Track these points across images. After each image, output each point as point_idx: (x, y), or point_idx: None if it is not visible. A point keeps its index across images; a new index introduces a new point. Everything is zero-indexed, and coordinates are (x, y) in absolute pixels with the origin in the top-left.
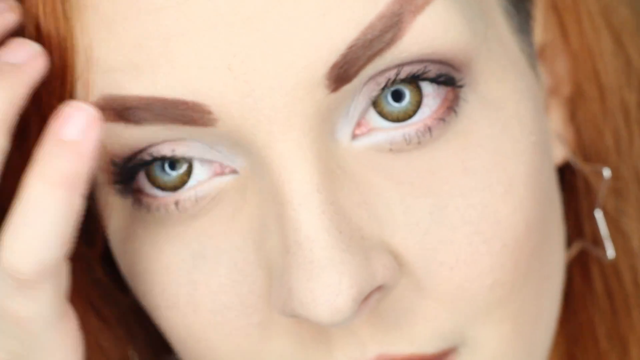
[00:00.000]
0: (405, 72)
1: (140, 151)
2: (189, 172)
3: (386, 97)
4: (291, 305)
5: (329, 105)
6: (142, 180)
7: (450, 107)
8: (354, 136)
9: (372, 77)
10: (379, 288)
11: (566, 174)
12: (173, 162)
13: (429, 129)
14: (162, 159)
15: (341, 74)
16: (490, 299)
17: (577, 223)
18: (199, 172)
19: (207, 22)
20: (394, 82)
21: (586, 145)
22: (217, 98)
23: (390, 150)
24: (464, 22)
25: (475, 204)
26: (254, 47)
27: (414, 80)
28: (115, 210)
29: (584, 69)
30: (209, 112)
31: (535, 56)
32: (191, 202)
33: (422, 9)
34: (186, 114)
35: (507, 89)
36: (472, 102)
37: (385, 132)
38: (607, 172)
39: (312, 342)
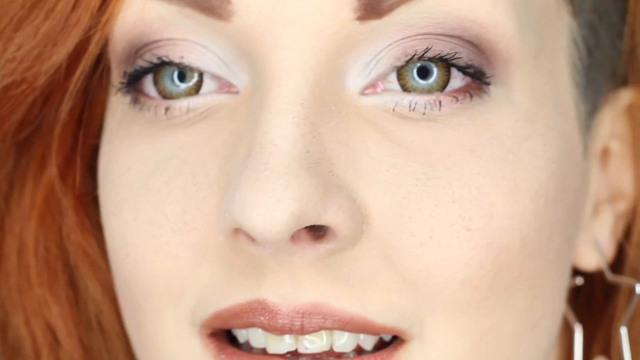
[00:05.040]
0: (435, 50)
1: (153, 42)
2: (197, 87)
3: (412, 72)
4: (231, 206)
5: (350, 36)
6: (148, 83)
7: (468, 92)
8: (364, 93)
9: (400, 40)
10: (331, 235)
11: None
12: (183, 74)
13: (439, 103)
14: (170, 65)
15: (374, 2)
16: (458, 297)
17: (593, 339)
18: (208, 87)
19: None
20: (421, 58)
21: (626, 262)
22: None
23: (394, 111)
24: (514, 16)
25: (472, 186)
26: None
27: (443, 61)
28: (112, 111)
29: None
30: (229, 1)
31: (588, 122)
32: (181, 111)
33: None
34: None
35: (542, 112)
36: (497, 100)
37: (395, 94)
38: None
39: (240, 274)
